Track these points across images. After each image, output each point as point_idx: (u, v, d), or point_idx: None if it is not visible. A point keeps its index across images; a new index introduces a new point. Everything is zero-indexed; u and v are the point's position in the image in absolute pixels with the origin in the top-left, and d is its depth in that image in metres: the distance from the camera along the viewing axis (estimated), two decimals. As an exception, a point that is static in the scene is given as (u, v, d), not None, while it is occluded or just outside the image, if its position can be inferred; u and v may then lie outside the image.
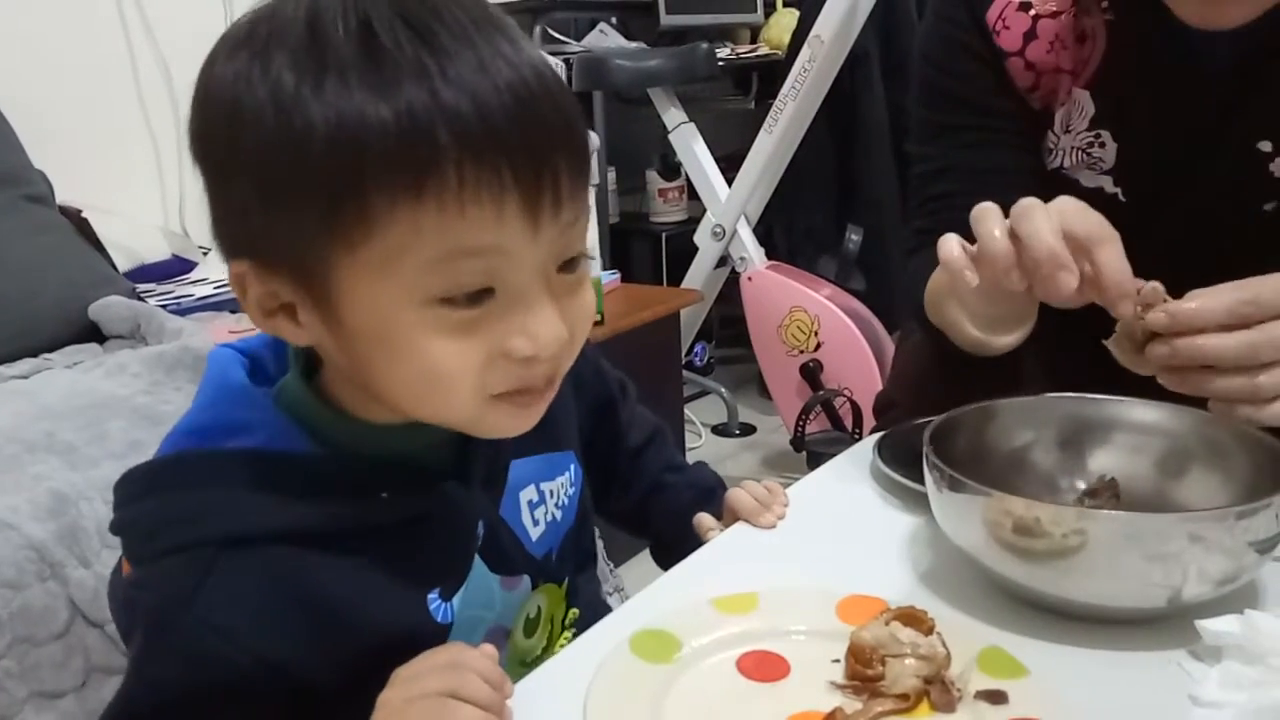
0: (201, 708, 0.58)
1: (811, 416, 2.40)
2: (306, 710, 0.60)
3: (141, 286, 2.00)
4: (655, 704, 0.59)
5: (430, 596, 0.63)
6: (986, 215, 0.77)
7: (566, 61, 2.71)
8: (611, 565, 1.68)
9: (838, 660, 0.63)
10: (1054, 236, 0.73)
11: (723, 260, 2.65)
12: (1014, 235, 0.75)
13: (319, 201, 0.53)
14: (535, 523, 0.71)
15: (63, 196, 2.04)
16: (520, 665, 0.72)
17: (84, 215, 2.02)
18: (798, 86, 2.37)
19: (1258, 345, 0.71)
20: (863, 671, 0.61)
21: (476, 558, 0.66)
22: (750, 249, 2.58)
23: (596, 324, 1.99)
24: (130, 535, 0.62)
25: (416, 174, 0.52)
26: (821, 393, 2.40)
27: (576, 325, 0.60)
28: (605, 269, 2.35)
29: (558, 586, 0.75)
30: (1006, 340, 0.92)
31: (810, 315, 2.43)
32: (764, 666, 0.63)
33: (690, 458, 0.95)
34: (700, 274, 2.66)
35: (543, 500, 0.72)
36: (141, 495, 0.62)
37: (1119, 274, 0.73)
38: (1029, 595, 0.70)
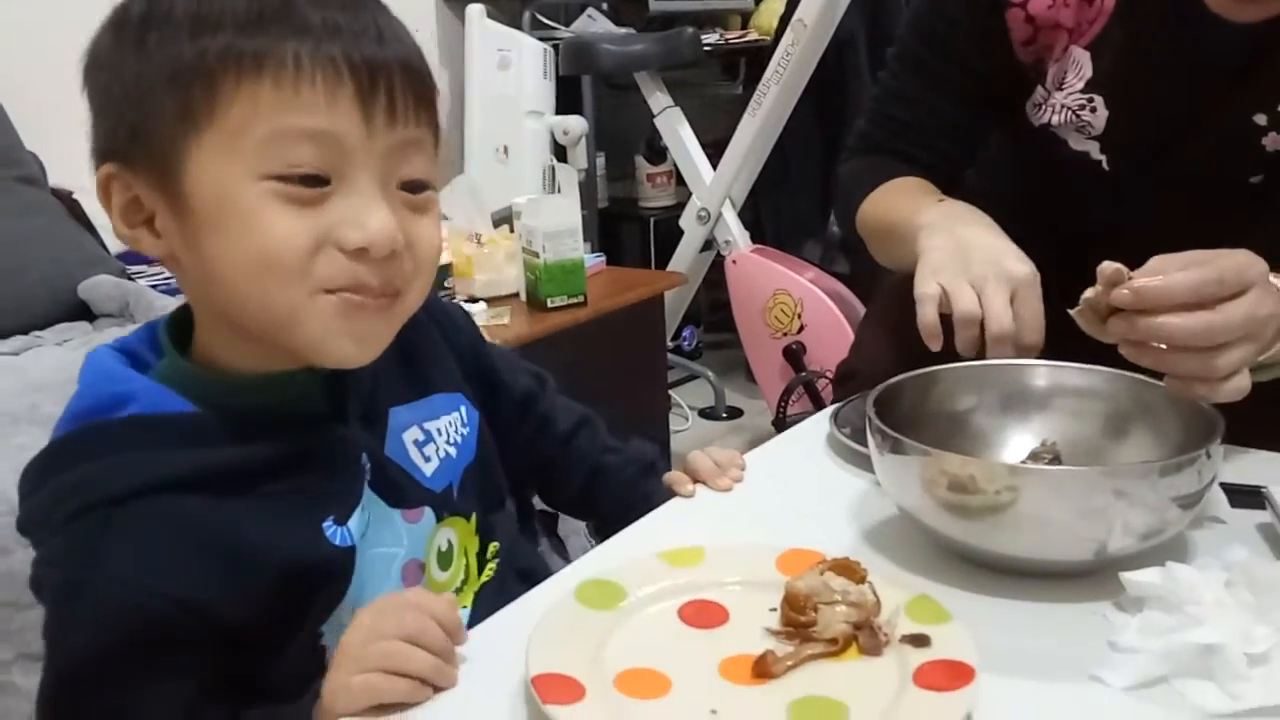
0: (129, 666, 0.60)
1: (794, 398, 2.42)
2: (234, 654, 0.63)
3: (132, 268, 2.02)
4: (597, 648, 0.62)
5: (325, 524, 0.66)
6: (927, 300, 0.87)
7: (555, 46, 2.74)
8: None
9: (774, 609, 0.66)
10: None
11: (708, 244, 2.68)
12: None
13: (173, 88, 0.60)
14: (427, 459, 0.74)
15: (55, 179, 2.07)
16: None
17: (75, 197, 2.04)
18: (781, 71, 2.39)
19: (1215, 327, 0.73)
20: (796, 618, 0.64)
21: (373, 493, 0.69)
22: (735, 232, 2.60)
23: (579, 305, 2.02)
24: (33, 523, 0.65)
25: (257, 53, 0.59)
26: (804, 374, 2.42)
27: (419, 247, 0.65)
28: (593, 253, 2.38)
29: (465, 520, 0.77)
30: None
31: (794, 298, 2.46)
32: (704, 615, 0.67)
33: (676, 441, 0.96)
34: (685, 257, 2.69)
35: (430, 438, 0.75)
36: (38, 483, 0.64)
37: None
38: (964, 550, 0.73)
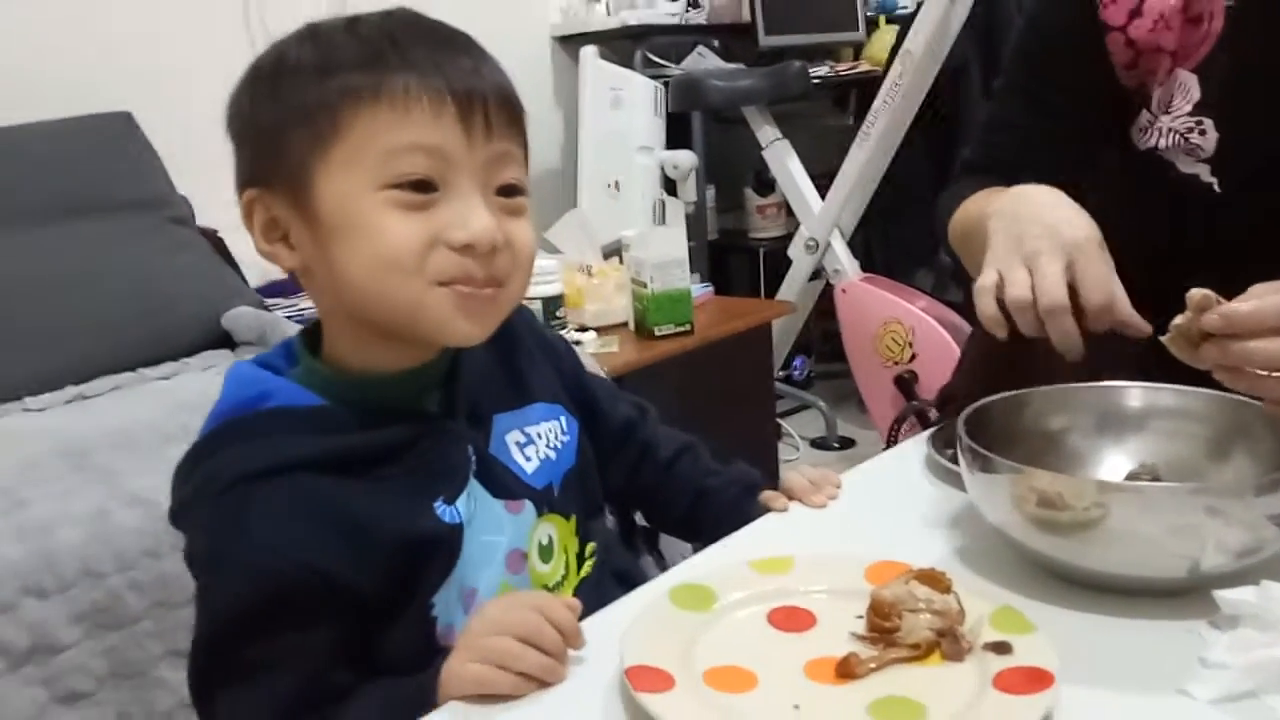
0: (265, 623, 0.68)
1: (905, 427, 2.42)
2: (355, 621, 0.70)
3: (270, 300, 2.17)
4: (687, 645, 0.66)
5: (435, 504, 0.74)
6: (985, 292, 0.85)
7: (665, 83, 2.81)
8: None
9: (860, 616, 0.69)
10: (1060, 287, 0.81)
11: (817, 273, 2.70)
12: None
13: (302, 118, 0.70)
14: (528, 459, 0.81)
15: (202, 219, 2.23)
16: (543, 589, 0.80)
17: (219, 235, 2.20)
18: (889, 101, 2.41)
19: None
20: (881, 624, 0.67)
21: (478, 484, 0.77)
22: (844, 261, 2.62)
23: (686, 333, 2.06)
24: (183, 510, 0.73)
25: (374, 85, 0.69)
26: (915, 403, 2.42)
27: (516, 244, 0.73)
28: (701, 283, 2.43)
29: (565, 519, 0.83)
30: None
31: (905, 326, 2.46)
32: (792, 619, 0.70)
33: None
34: (794, 286, 2.71)
35: (531, 441, 0.82)
36: (188, 475, 0.73)
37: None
38: (1054, 566, 0.74)
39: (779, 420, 2.78)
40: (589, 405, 0.93)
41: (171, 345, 1.85)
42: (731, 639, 0.68)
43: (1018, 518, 0.73)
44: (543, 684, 0.66)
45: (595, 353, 1.98)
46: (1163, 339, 0.80)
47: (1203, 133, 1.01)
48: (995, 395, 0.84)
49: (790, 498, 0.91)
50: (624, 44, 3.06)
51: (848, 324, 2.60)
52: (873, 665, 0.64)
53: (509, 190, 0.74)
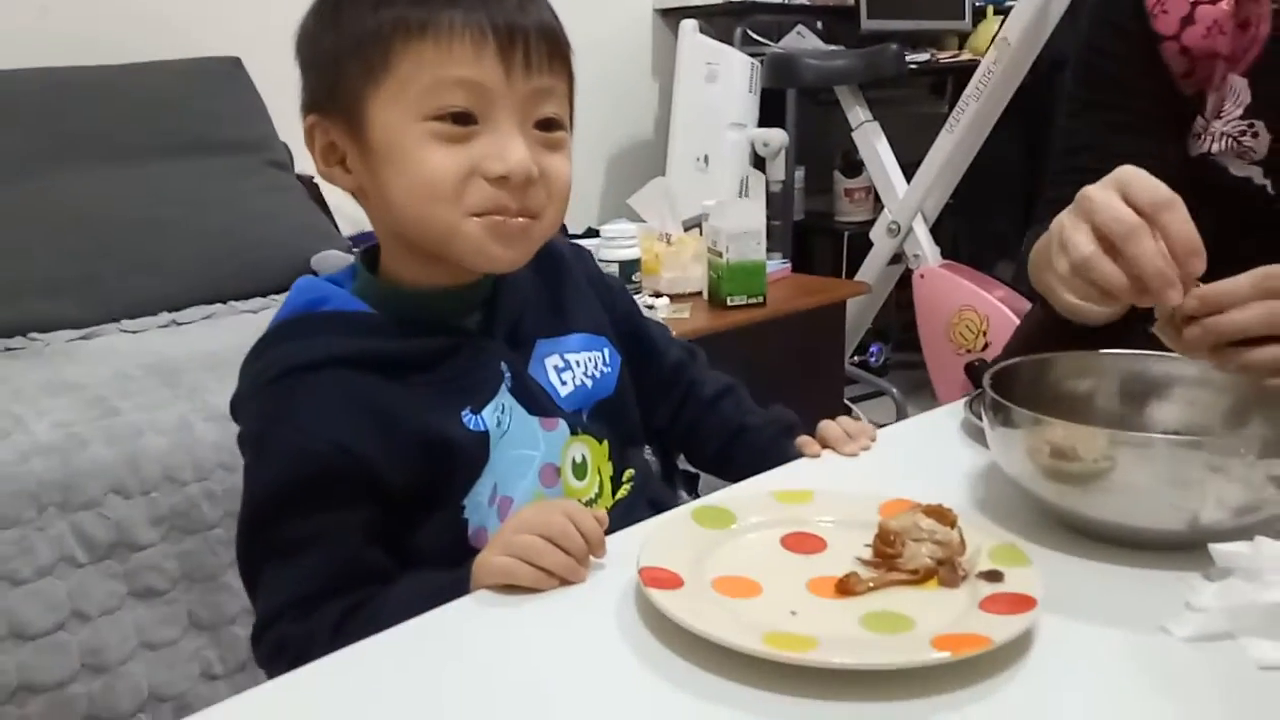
0: (304, 499, 0.74)
1: (974, 415, 2.41)
2: (388, 511, 0.76)
3: (357, 248, 2.25)
4: (701, 556, 0.70)
5: (463, 412, 0.79)
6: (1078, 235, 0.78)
7: (762, 60, 2.83)
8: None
9: (869, 545, 0.72)
10: (1161, 258, 0.74)
11: (897, 258, 2.70)
12: (1115, 250, 0.76)
13: (357, 55, 0.76)
14: (563, 383, 0.86)
15: (300, 166, 2.33)
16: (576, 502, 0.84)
17: (315, 181, 2.29)
18: (981, 88, 2.39)
19: (1275, 311, 0.74)
20: (885, 550, 0.70)
21: (515, 400, 0.82)
22: (925, 246, 2.62)
23: (758, 305, 2.09)
24: (240, 400, 0.80)
25: (421, 20, 0.74)
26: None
27: (551, 177, 0.78)
28: (781, 260, 2.45)
29: (597, 442, 0.87)
30: (1103, 311, 0.97)
31: (980, 315, 2.45)
32: (803, 543, 0.73)
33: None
34: (873, 269, 2.71)
35: (569, 367, 0.87)
36: (248, 368, 0.80)
37: (1188, 239, 0.75)
38: (1063, 516, 0.76)
39: (850, 403, 2.79)
40: (643, 345, 0.97)
41: (261, 281, 1.95)
42: (743, 554, 0.72)
43: (1031, 468, 0.75)
44: (565, 582, 0.70)
45: (666, 317, 2.02)
46: (1153, 329, 0.80)
47: (1255, 135, 1.01)
48: (1023, 357, 0.86)
49: (824, 445, 0.94)
50: (725, 20, 3.08)
51: (923, 309, 2.60)
52: (870, 585, 0.67)
53: (548, 124, 0.78)
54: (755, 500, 0.78)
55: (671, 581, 0.66)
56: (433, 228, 0.77)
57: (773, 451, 0.95)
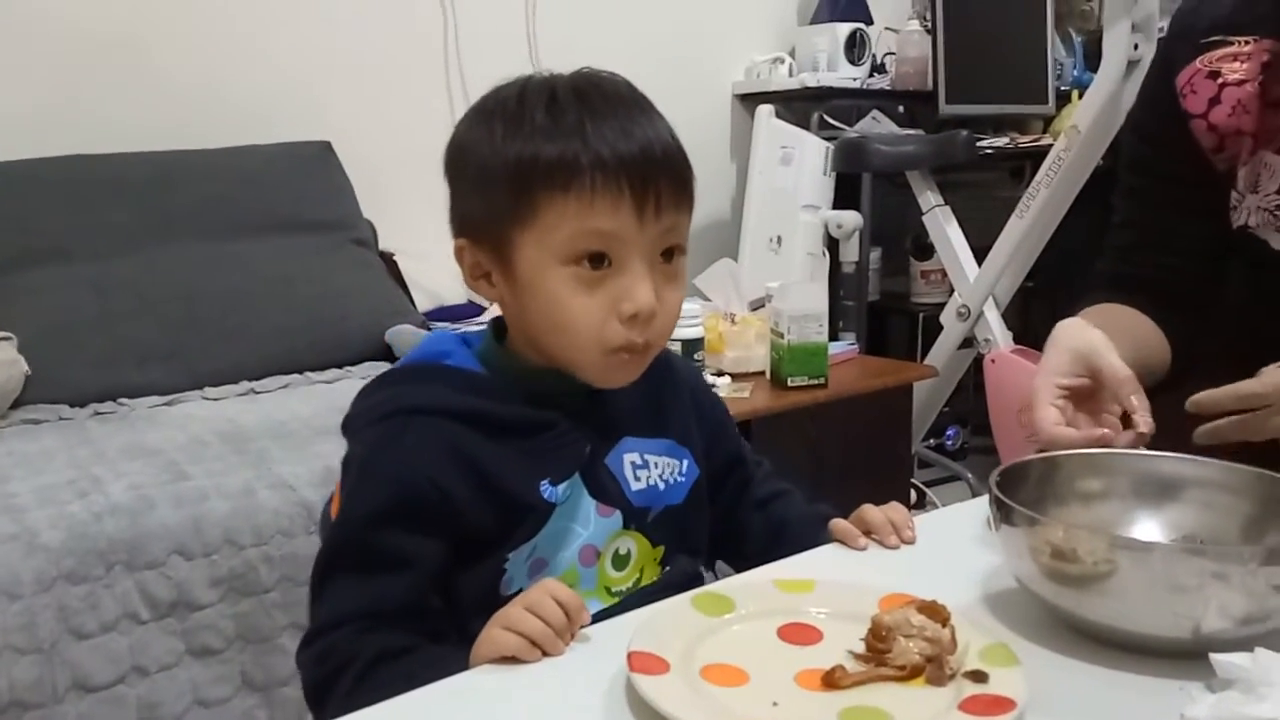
0: (394, 522, 0.82)
1: (1046, 504, 2.36)
2: (455, 549, 0.83)
3: (437, 324, 2.34)
4: (693, 642, 0.72)
5: (542, 482, 0.86)
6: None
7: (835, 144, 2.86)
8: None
9: (863, 639, 0.72)
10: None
11: (969, 341, 2.68)
12: None
13: (508, 199, 0.83)
14: (637, 479, 0.91)
15: (384, 243, 2.43)
16: (606, 593, 0.89)
17: (395, 258, 2.39)
18: (1051, 174, 2.39)
19: (1242, 390, 0.85)
20: (875, 645, 0.70)
21: (581, 481, 0.88)
22: (996, 331, 2.59)
23: (820, 386, 2.10)
24: (353, 422, 0.88)
25: (565, 181, 0.82)
26: (1057, 481, 2.35)
27: (668, 307, 0.86)
28: (853, 342, 2.45)
29: (650, 545, 0.91)
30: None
31: (1052, 402, 2.40)
32: (799, 634, 0.75)
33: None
34: (943, 353, 2.69)
35: (646, 465, 0.92)
36: (366, 396, 0.89)
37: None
38: (1065, 617, 0.76)
39: (924, 487, 2.76)
40: (726, 455, 1.02)
41: (338, 354, 2.04)
42: (737, 643, 0.73)
43: (1033, 568, 0.75)
44: (545, 652, 0.73)
45: (727, 396, 2.04)
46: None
47: None
48: (1033, 455, 0.87)
49: (866, 531, 0.93)
50: (803, 105, 3.14)
51: (994, 394, 2.56)
52: (856, 679, 0.68)
53: (670, 253, 0.86)
54: (756, 588, 0.80)
55: (658, 667, 0.68)
56: (563, 355, 0.86)
57: (805, 543, 0.95)
